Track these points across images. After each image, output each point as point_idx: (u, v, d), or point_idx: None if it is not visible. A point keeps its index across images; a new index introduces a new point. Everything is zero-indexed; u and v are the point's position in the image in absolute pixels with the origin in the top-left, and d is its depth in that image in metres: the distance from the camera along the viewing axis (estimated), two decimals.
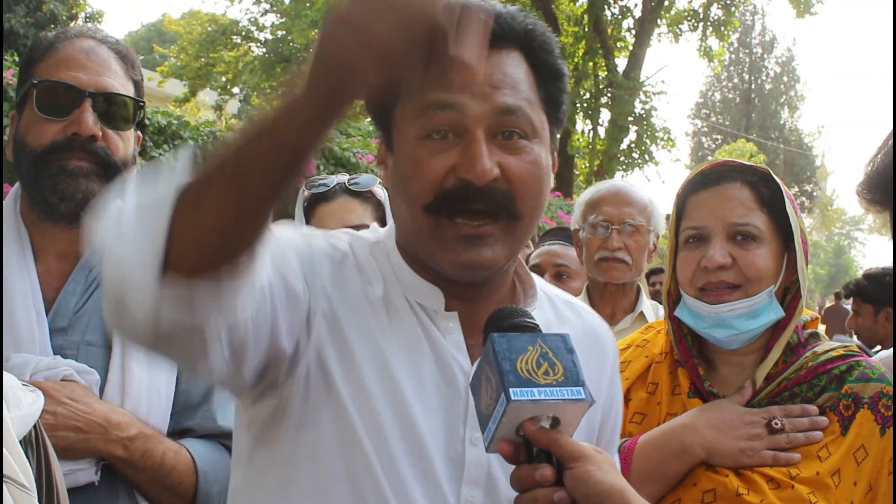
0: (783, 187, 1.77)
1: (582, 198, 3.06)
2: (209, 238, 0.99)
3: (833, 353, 1.76)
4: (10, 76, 6.39)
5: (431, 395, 1.25)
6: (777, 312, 1.74)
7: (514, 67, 1.24)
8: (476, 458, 1.24)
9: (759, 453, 1.67)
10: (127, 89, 1.76)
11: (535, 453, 1.07)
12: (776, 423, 1.68)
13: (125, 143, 1.76)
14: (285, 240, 1.22)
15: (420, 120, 1.22)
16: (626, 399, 1.79)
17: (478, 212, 1.21)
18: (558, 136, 1.36)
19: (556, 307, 1.41)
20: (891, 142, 1.23)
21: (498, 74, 1.21)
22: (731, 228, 1.73)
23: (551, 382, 1.06)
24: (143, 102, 1.80)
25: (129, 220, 1.00)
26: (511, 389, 1.04)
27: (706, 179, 1.80)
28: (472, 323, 1.28)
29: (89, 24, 13.47)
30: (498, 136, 1.21)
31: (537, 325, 1.15)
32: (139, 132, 1.84)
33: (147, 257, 0.97)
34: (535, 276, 1.44)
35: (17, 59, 7.60)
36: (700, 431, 1.69)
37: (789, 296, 1.78)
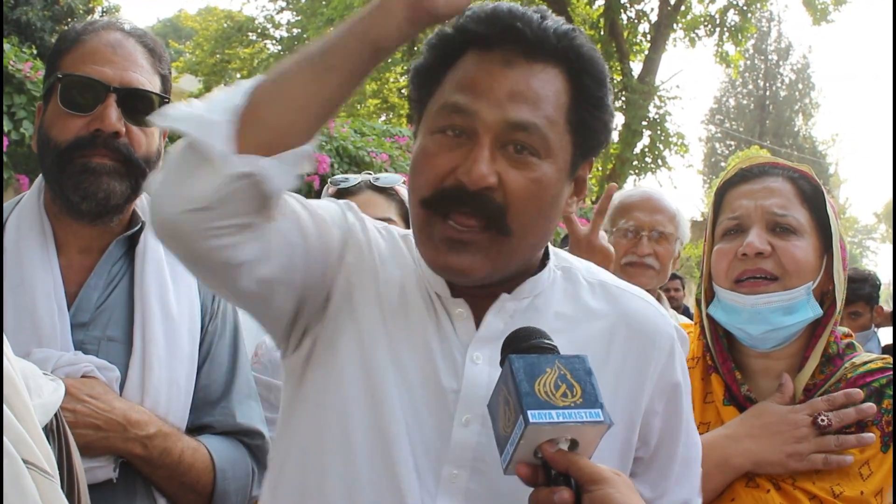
0: (823, 189, 1.71)
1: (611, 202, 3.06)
2: (283, 122, 1.14)
3: (872, 366, 1.69)
4: (28, 69, 6.40)
5: (428, 373, 1.26)
6: (815, 310, 1.66)
7: (545, 83, 1.22)
8: (461, 439, 1.23)
9: (807, 457, 1.59)
10: (153, 84, 1.74)
11: (554, 476, 1.06)
12: (822, 420, 1.61)
13: (149, 139, 1.73)
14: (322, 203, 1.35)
15: (437, 117, 1.24)
16: None
17: (468, 217, 1.21)
18: (591, 162, 1.33)
19: (580, 289, 1.35)
20: None
21: (520, 86, 1.20)
22: (772, 218, 1.67)
23: (569, 404, 1.06)
24: (169, 98, 1.77)
25: (203, 105, 1.15)
26: (529, 412, 1.04)
27: (747, 174, 1.75)
28: (482, 307, 1.30)
29: (116, 17, 13.51)
30: (508, 148, 1.21)
31: (555, 347, 1.15)
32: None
33: (223, 129, 1.12)
34: (579, 260, 1.42)
35: (35, 51, 7.61)
36: (742, 442, 1.62)
37: (826, 303, 1.70)
